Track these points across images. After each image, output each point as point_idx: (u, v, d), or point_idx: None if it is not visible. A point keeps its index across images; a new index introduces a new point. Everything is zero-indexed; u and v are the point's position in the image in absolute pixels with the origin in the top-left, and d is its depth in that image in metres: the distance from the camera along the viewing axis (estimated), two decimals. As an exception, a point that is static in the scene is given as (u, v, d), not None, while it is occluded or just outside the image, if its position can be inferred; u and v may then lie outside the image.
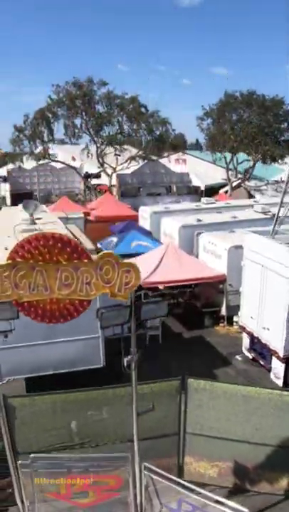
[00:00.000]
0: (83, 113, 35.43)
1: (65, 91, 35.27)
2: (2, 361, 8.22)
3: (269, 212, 22.88)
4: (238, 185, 40.29)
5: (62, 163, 39.18)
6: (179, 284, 16.09)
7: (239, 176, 41.57)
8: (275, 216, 13.43)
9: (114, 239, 20.88)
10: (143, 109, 37.19)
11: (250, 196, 38.76)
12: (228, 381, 11.43)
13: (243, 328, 14.82)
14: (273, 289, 12.74)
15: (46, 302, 6.07)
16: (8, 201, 33.49)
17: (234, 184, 41.26)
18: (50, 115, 35.76)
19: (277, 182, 43.25)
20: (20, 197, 34.07)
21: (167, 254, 16.22)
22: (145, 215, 25.83)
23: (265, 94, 37.45)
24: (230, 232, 17.84)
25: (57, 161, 40.04)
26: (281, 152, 40.16)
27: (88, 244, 17.23)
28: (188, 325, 17.39)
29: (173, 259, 16.16)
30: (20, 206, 23.65)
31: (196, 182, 53.68)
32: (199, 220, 20.64)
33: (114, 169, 37.85)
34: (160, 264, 15.85)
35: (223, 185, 44.77)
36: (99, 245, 22.08)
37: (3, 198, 33.97)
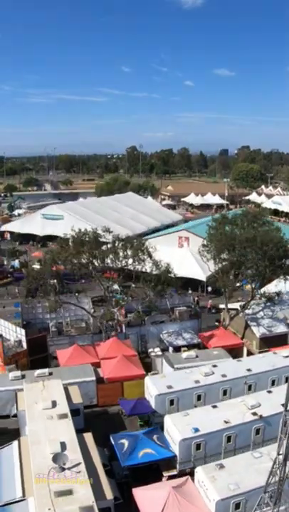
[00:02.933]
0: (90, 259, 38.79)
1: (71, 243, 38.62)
2: None
3: (258, 406, 26.22)
4: (237, 313, 43.27)
5: (75, 305, 42.09)
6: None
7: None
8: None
9: (126, 442, 24.26)
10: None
11: (247, 325, 41.88)
12: None
13: None
14: None
15: None
16: (24, 345, 36.59)
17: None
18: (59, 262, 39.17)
19: (274, 303, 46.20)
20: (35, 341, 37.27)
21: (167, 506, 19.24)
22: (151, 392, 29.19)
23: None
24: (220, 468, 20.97)
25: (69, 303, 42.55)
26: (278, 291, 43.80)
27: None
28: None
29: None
30: (39, 386, 27.00)
31: (198, 273, 56.85)
32: (197, 430, 23.92)
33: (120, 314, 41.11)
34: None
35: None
36: (111, 440, 25.21)
37: (19, 341, 37.08)
